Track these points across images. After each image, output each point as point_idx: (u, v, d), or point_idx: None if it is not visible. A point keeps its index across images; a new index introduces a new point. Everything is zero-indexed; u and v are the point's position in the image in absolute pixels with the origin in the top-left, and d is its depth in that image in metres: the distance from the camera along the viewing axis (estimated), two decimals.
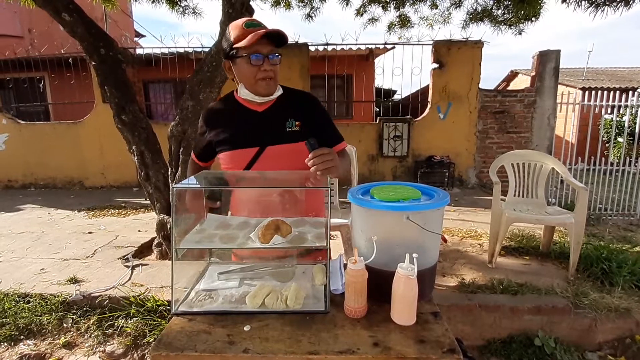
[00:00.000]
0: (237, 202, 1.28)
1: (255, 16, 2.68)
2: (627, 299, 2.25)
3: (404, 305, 0.86)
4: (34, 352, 2.07)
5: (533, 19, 3.30)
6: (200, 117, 1.30)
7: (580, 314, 2.15)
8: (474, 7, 3.77)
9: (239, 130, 1.19)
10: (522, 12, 3.09)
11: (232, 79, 1.22)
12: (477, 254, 3.03)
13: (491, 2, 3.61)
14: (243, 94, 1.17)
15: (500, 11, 3.60)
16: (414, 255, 0.83)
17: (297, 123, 1.19)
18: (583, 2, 2.77)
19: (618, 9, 2.73)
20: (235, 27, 1.10)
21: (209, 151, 1.28)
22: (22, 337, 2.17)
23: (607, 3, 2.67)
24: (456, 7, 4.03)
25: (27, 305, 2.32)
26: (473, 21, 3.90)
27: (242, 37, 1.07)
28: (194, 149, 1.36)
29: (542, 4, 2.88)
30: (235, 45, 1.09)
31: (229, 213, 1.28)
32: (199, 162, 1.36)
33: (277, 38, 1.09)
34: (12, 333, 2.16)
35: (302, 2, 4.51)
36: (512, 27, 3.61)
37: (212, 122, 1.24)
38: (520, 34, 3.67)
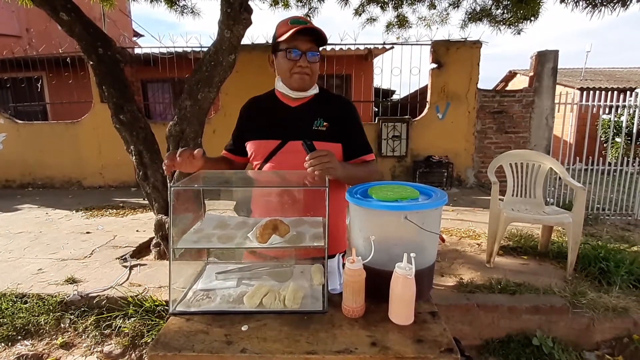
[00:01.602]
0: (254, 202, 1.31)
1: (253, 16, 2.68)
2: (624, 298, 2.26)
3: (401, 304, 0.86)
4: (31, 353, 2.07)
5: (532, 18, 3.31)
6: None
7: (578, 313, 2.15)
8: (473, 7, 3.78)
9: (267, 121, 1.23)
10: (521, 11, 3.10)
11: (272, 72, 1.27)
12: (476, 253, 3.04)
13: (490, 2, 3.61)
14: (280, 87, 1.22)
15: (499, 11, 3.61)
16: (412, 254, 0.83)
17: (325, 124, 1.20)
18: (581, 2, 2.77)
19: (615, 9, 2.74)
20: (281, 23, 1.16)
21: (240, 143, 1.29)
22: (19, 337, 2.16)
23: (605, 3, 2.68)
24: (454, 7, 4.04)
25: (25, 305, 2.31)
26: (472, 21, 3.90)
27: (285, 32, 1.12)
28: (227, 144, 1.35)
29: (541, 4, 2.89)
30: (278, 40, 1.14)
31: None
32: (228, 155, 1.34)
33: (317, 36, 1.13)
34: (10, 333, 2.15)
35: (301, 1, 4.50)
36: (510, 27, 3.61)
37: (248, 112, 1.29)
38: (519, 33, 3.67)
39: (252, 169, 1.30)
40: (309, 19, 1.19)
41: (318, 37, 1.14)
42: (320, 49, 1.19)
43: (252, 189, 1.35)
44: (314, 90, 1.22)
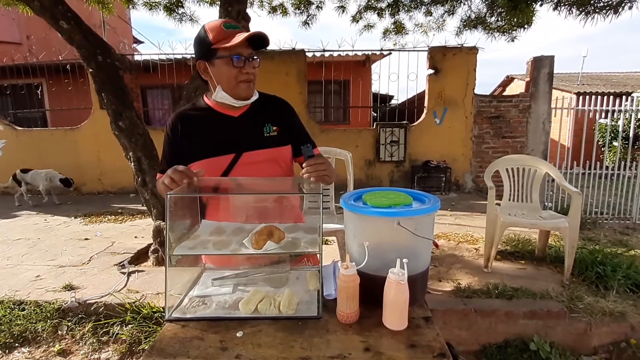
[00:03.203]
0: (214, 209, 1.22)
1: (251, 23, 2.71)
2: (621, 302, 2.26)
3: (395, 310, 0.87)
4: None
5: (526, 26, 3.36)
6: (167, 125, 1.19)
7: (575, 318, 2.16)
8: (468, 15, 3.83)
9: (213, 137, 1.15)
10: (515, 19, 3.14)
11: (205, 82, 1.17)
12: (473, 258, 3.04)
13: (484, 10, 3.67)
14: (220, 97, 1.12)
15: (493, 18, 3.66)
16: (404, 260, 0.84)
17: (274, 128, 1.17)
18: (574, 10, 2.81)
19: (608, 15, 2.78)
20: (213, 28, 1.07)
21: (179, 163, 1.09)
22: (16, 344, 2.16)
23: (597, 11, 2.71)
24: (450, 15, 4.09)
25: (22, 312, 2.31)
26: (467, 28, 3.96)
27: (222, 37, 1.05)
28: (161, 168, 1.19)
29: (534, 12, 2.93)
30: (215, 46, 1.05)
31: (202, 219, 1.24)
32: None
33: (257, 41, 1.09)
34: (7, 340, 2.15)
35: (299, 9, 4.56)
36: (505, 34, 3.66)
37: (183, 129, 1.15)
38: (512, 40, 3.73)
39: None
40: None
41: (256, 42, 1.09)
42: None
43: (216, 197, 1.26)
44: (255, 96, 1.17)
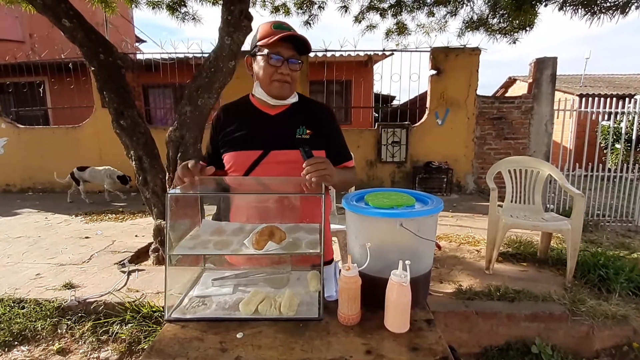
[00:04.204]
0: (236, 208, 1.26)
1: (254, 23, 2.70)
2: (624, 306, 2.25)
3: (397, 312, 0.86)
4: (27, 358, 2.06)
5: (527, 28, 3.34)
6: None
7: (577, 321, 2.14)
8: (470, 16, 3.82)
9: (245, 131, 1.18)
10: (517, 21, 3.13)
11: (251, 76, 1.22)
12: (475, 260, 3.03)
13: (487, 11, 3.65)
14: (257, 92, 1.17)
15: (495, 20, 3.64)
16: (407, 262, 0.83)
17: (308, 131, 1.18)
18: (580, 10, 2.79)
19: (614, 16, 2.76)
20: (263, 26, 1.12)
21: (216, 155, 1.23)
22: (16, 342, 2.15)
23: (603, 11, 2.69)
24: (452, 16, 4.08)
25: (22, 310, 2.30)
26: (469, 30, 3.95)
27: (266, 35, 1.09)
28: (202, 157, 1.28)
29: (537, 14, 2.91)
30: (260, 43, 1.10)
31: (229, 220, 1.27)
32: None
33: (300, 44, 1.12)
34: (6, 339, 2.15)
35: (301, 9, 4.55)
36: (506, 35, 3.65)
37: (224, 121, 1.21)
38: (514, 43, 3.72)
39: None
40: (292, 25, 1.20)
41: (300, 45, 1.12)
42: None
43: (235, 196, 1.30)
44: (294, 98, 1.20)
